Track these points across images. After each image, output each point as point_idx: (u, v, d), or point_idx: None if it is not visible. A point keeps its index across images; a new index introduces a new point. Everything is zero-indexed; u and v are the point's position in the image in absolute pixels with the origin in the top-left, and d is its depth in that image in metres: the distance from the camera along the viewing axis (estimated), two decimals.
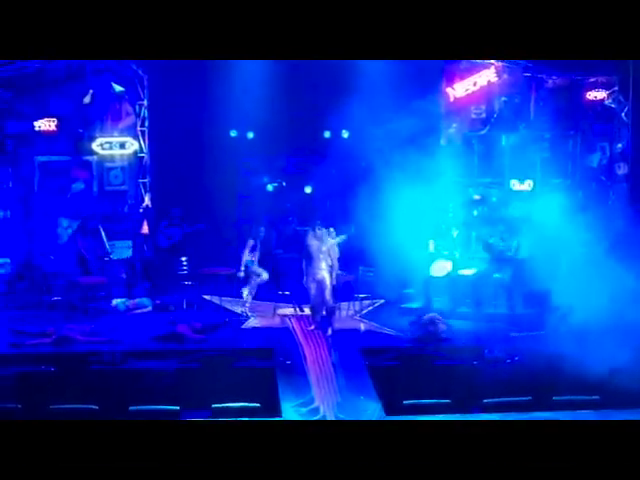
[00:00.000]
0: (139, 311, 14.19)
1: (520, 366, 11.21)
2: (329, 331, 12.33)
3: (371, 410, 10.50)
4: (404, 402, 10.94)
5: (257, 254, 13.75)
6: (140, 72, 15.62)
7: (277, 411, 10.50)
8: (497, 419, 10.42)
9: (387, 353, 11.65)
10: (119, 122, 15.92)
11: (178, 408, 10.62)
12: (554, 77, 16.16)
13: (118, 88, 15.66)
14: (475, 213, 15.80)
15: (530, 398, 11.09)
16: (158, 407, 10.63)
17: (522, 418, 10.34)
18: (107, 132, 15.86)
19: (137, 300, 14.43)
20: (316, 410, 10.44)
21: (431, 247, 14.86)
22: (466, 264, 14.55)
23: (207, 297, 14.57)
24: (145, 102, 15.81)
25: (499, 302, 13.75)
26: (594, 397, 11.11)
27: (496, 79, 15.85)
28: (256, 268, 13.80)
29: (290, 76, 15.33)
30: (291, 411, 10.42)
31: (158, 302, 14.48)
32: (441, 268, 14.33)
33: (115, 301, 14.31)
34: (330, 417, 10.29)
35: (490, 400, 11.04)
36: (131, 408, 10.61)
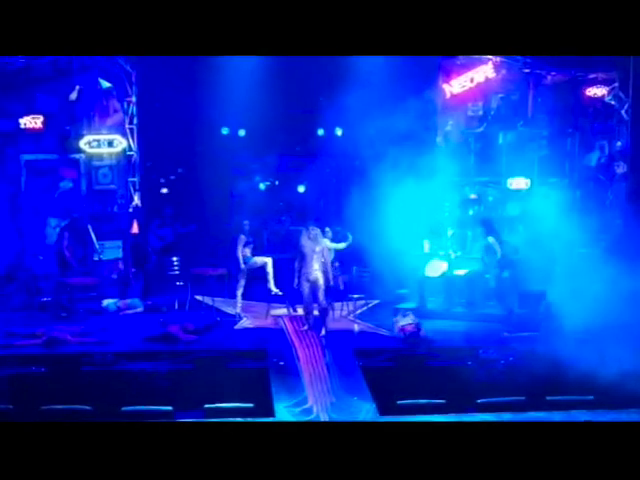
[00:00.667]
0: (130, 312, 14.07)
1: (514, 366, 11.19)
2: (323, 331, 12.27)
3: (365, 410, 10.43)
4: (398, 402, 10.86)
5: (251, 246, 13.61)
6: (128, 68, 15.22)
7: (270, 411, 10.42)
8: (491, 419, 10.36)
9: (381, 354, 11.62)
10: (107, 119, 15.59)
11: (171, 409, 10.51)
12: (553, 73, 15.93)
13: (105, 84, 15.25)
14: (471, 212, 15.68)
15: (524, 398, 11.02)
16: (151, 408, 10.52)
17: (516, 418, 10.29)
18: (95, 130, 15.49)
19: (128, 301, 14.31)
20: (309, 410, 10.38)
21: (426, 247, 14.77)
22: (461, 264, 14.46)
23: (199, 297, 14.46)
24: (133, 99, 15.41)
25: (493, 302, 13.67)
26: (588, 397, 11.06)
27: (494, 75, 15.62)
28: (257, 259, 13.68)
29: (283, 72, 15.04)
30: (284, 411, 10.34)
31: (149, 303, 14.36)
32: (436, 268, 14.26)
33: (106, 302, 14.18)
34: (323, 417, 10.23)
35: (484, 400, 10.97)
36: (123, 409, 10.50)
